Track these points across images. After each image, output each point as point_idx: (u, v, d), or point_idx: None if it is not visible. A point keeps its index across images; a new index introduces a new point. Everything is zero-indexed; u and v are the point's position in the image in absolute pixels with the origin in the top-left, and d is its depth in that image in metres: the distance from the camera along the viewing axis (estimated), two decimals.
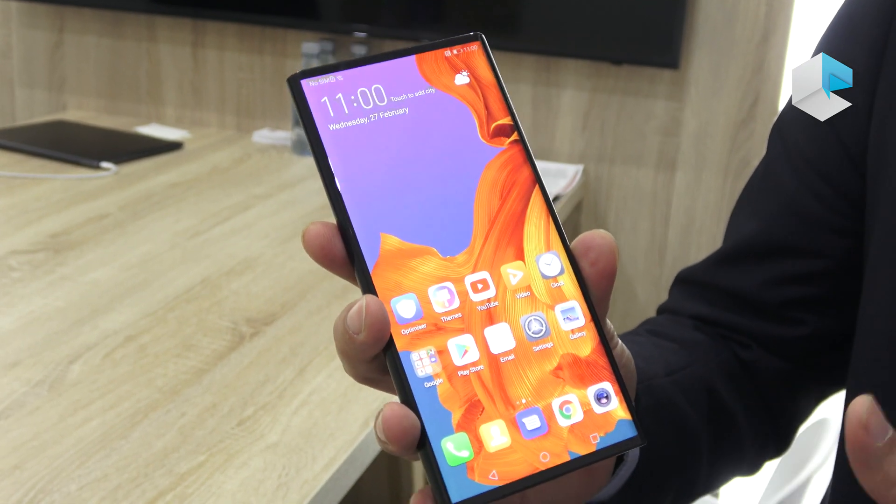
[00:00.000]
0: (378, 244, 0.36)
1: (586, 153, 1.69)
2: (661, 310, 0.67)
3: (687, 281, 0.66)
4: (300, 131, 1.70)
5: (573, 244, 0.38)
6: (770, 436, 0.62)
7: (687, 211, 1.67)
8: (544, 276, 0.37)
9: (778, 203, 0.60)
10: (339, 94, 0.37)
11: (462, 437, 0.34)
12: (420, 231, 0.37)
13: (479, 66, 0.39)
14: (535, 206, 0.38)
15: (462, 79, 0.38)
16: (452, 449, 0.34)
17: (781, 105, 1.43)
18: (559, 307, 0.37)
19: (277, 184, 1.53)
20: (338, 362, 0.92)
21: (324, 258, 0.36)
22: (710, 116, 1.62)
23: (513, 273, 0.37)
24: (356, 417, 0.84)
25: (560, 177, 1.62)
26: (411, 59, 0.38)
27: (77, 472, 0.74)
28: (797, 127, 0.58)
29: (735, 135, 1.62)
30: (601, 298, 0.38)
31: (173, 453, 0.77)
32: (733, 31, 1.58)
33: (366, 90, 0.37)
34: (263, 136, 1.81)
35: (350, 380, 0.89)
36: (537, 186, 0.38)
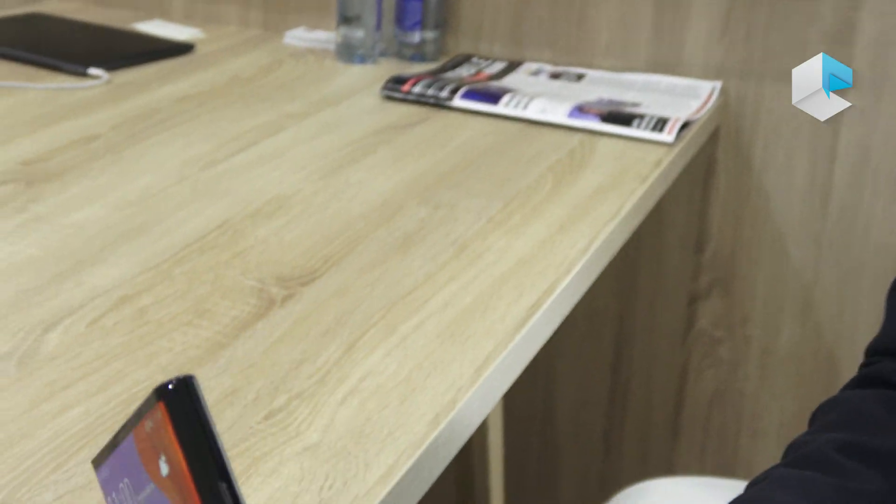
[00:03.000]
0: None
1: (725, 67, 1.65)
2: (868, 380, 0.61)
3: None
4: (347, 31, 1.67)
5: None
6: None
7: (860, 143, 1.61)
8: None
9: None
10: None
11: None
12: None
13: (169, 444, 0.35)
14: None
15: (164, 467, 0.35)
16: None
17: None
18: None
19: (317, 99, 1.51)
20: (398, 338, 0.89)
21: None
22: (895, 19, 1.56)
23: None
24: (423, 412, 0.81)
25: (691, 97, 1.57)
26: (131, 441, 0.36)
27: (53, 477, 0.71)
28: None
29: None
30: None
31: None
32: None
33: (122, 488, 0.37)
34: (298, 37, 1.78)
35: (415, 361, 0.86)
36: None
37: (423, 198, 1.18)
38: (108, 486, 0.38)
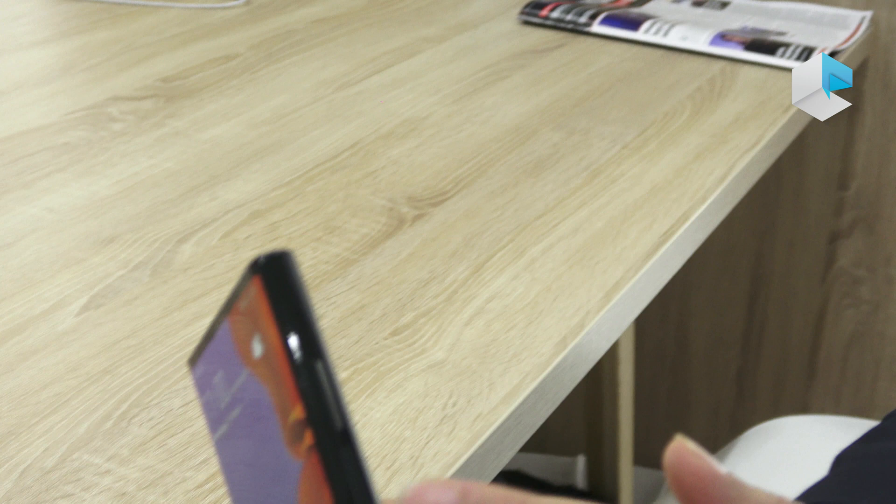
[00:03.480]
0: None
1: None
2: None
3: None
4: None
5: None
6: None
7: None
8: None
9: None
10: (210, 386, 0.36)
11: None
12: None
13: (263, 320, 0.32)
14: None
15: (258, 347, 0.32)
16: None
17: None
18: None
19: (454, 24, 1.50)
20: (526, 261, 0.89)
21: None
22: None
23: None
24: (549, 335, 0.80)
25: (838, 27, 1.52)
26: (226, 327, 0.34)
27: (182, 384, 0.73)
28: None
29: None
30: None
31: None
32: None
33: (216, 382, 0.36)
34: None
35: (543, 284, 0.86)
36: None
37: (557, 123, 1.17)
38: (202, 384, 0.36)
